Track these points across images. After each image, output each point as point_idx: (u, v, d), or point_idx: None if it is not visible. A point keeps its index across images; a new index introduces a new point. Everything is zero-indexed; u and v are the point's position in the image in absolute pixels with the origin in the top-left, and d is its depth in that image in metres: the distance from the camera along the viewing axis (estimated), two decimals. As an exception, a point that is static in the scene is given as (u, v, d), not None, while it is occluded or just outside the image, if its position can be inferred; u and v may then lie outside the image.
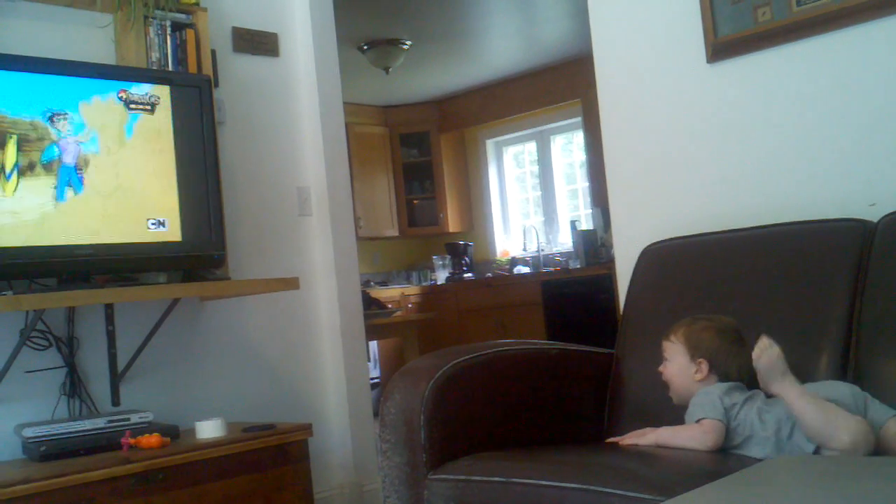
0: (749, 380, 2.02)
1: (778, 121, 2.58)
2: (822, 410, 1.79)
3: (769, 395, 1.93)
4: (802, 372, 2.04)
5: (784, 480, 1.38)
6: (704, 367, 2.04)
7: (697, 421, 1.95)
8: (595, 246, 7.16)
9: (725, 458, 1.88)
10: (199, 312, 3.28)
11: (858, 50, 2.43)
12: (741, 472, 1.42)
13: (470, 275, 8.19)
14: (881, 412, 1.84)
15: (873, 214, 2.22)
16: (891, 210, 2.18)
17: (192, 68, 3.12)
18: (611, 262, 2.76)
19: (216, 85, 3.28)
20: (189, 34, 3.14)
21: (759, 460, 1.78)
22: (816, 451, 1.80)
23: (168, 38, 3.09)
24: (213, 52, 3.30)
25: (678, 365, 2.09)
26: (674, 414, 2.08)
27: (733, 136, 2.67)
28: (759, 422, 1.89)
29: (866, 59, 2.42)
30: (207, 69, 3.17)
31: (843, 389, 1.89)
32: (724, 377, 2.03)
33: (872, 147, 2.40)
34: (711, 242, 2.47)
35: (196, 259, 2.96)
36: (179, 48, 3.13)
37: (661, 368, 2.14)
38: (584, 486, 1.72)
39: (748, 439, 1.90)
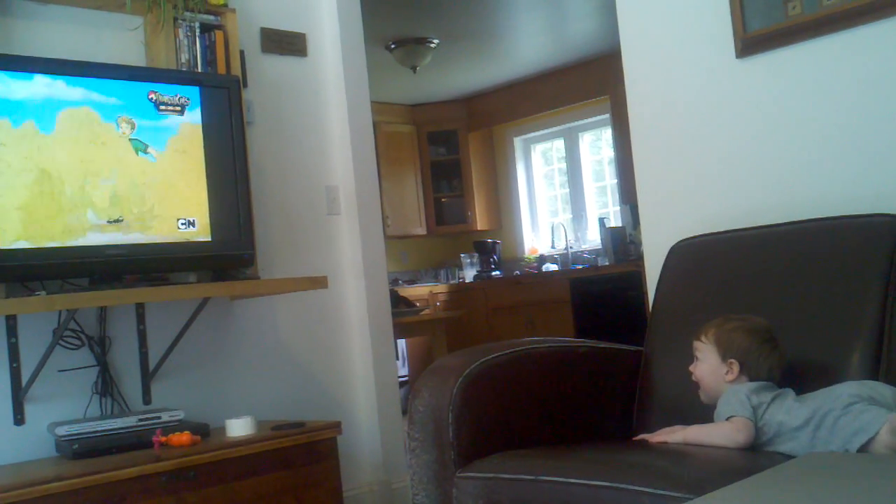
0: (779, 379, 2.00)
1: (808, 116, 2.56)
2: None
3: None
4: (834, 370, 2.03)
5: (814, 478, 1.37)
6: (735, 367, 2.03)
7: (728, 419, 1.93)
8: (624, 243, 7.13)
9: (756, 455, 1.87)
10: (229, 311, 3.30)
11: (890, 43, 2.40)
12: (771, 469, 1.40)
13: (498, 273, 8.18)
14: None
15: (906, 209, 2.20)
16: (923, 205, 2.15)
17: (221, 69, 3.14)
18: (640, 259, 2.75)
19: (245, 85, 3.30)
20: (218, 35, 3.16)
21: (790, 457, 1.77)
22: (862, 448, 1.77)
23: (197, 39, 3.11)
24: (242, 53, 3.32)
25: (709, 365, 2.08)
26: (703, 412, 2.07)
27: (763, 131, 2.65)
28: (789, 417, 1.88)
29: (898, 52, 2.39)
30: (236, 70, 3.19)
31: (884, 391, 1.86)
32: (754, 377, 2.01)
33: (904, 141, 2.38)
34: (741, 239, 2.45)
35: (225, 258, 2.98)
36: (208, 49, 3.14)
37: (691, 368, 2.13)
38: (614, 484, 1.71)
39: (777, 436, 1.89)
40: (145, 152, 2.82)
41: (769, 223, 2.43)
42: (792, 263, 2.29)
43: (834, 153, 2.51)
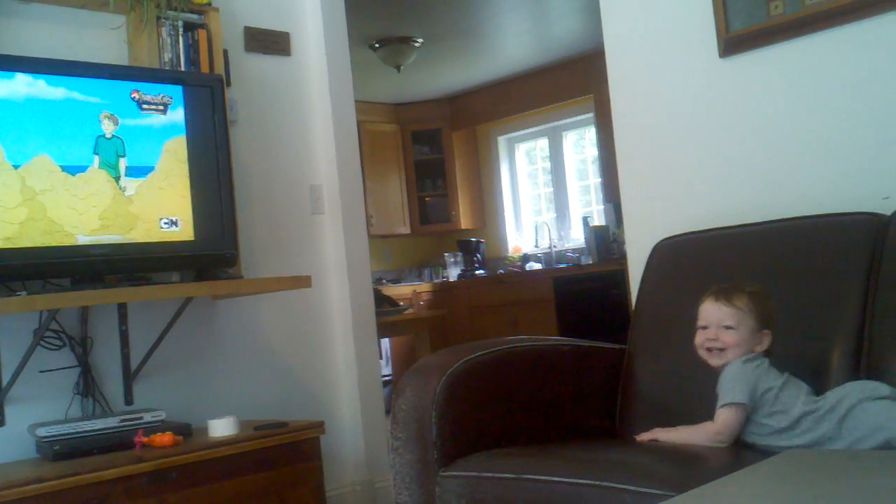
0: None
1: (790, 115, 2.57)
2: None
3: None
4: (816, 367, 2.04)
5: (793, 475, 1.37)
6: (769, 337, 1.98)
7: (722, 406, 1.92)
8: (607, 242, 7.15)
9: (740, 452, 1.88)
10: (212, 311, 3.29)
11: (872, 43, 2.41)
12: (751, 467, 1.41)
13: (482, 272, 8.19)
14: None
15: (887, 208, 2.21)
16: (905, 203, 2.17)
17: (205, 68, 3.13)
18: (623, 257, 2.76)
19: (228, 84, 3.29)
20: (201, 34, 3.15)
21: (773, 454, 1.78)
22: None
23: (180, 38, 3.10)
24: (226, 52, 3.31)
25: (746, 332, 1.97)
26: (686, 409, 2.08)
27: (746, 130, 2.66)
28: (797, 411, 1.87)
29: (880, 53, 2.40)
30: (219, 69, 3.18)
31: (884, 390, 1.87)
32: (768, 351, 1.99)
33: (886, 140, 2.39)
34: (724, 237, 2.46)
35: (208, 258, 2.97)
36: (192, 48, 3.13)
37: (711, 334, 2.00)
38: (597, 482, 1.72)
39: (800, 420, 1.87)
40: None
41: (752, 222, 2.44)
42: (774, 262, 2.30)
43: (815, 152, 2.52)
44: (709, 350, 2.02)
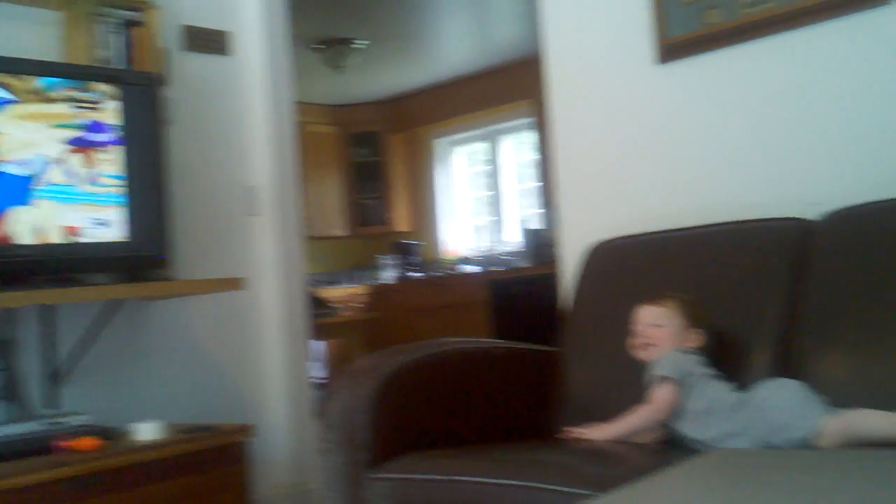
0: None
1: (724, 122, 2.62)
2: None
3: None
4: (743, 369, 2.09)
5: (717, 475, 1.41)
6: (701, 336, 2.10)
7: (657, 384, 2.01)
8: (544, 245, 7.20)
9: (665, 452, 1.91)
10: (143, 313, 3.24)
11: (802, 52, 2.47)
12: (676, 466, 1.44)
13: (418, 274, 8.19)
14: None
15: (816, 213, 2.26)
16: (833, 209, 2.22)
17: (143, 66, 3.08)
18: (559, 261, 2.79)
19: (166, 83, 3.24)
20: (139, 32, 3.10)
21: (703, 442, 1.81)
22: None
23: (118, 36, 3.05)
24: (164, 51, 3.27)
25: (674, 328, 2.10)
26: (618, 410, 2.10)
27: (681, 136, 2.70)
28: (717, 408, 1.94)
29: (811, 62, 2.46)
30: (158, 67, 3.13)
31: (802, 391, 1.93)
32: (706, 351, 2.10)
33: (816, 147, 2.45)
34: (656, 241, 2.50)
35: (140, 259, 2.91)
36: (129, 46, 3.09)
37: (642, 331, 2.13)
38: (524, 483, 1.73)
39: (709, 413, 1.94)
40: (55, 148, 2.75)
41: (684, 226, 2.49)
42: (703, 265, 2.34)
43: (747, 158, 2.57)
44: (640, 346, 2.14)
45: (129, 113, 2.88)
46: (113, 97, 2.85)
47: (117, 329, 3.10)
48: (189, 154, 3.40)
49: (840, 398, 1.84)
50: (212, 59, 3.53)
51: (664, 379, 2.01)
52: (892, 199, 2.13)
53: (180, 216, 3.27)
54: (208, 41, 3.51)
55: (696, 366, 2.04)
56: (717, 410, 1.95)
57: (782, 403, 1.87)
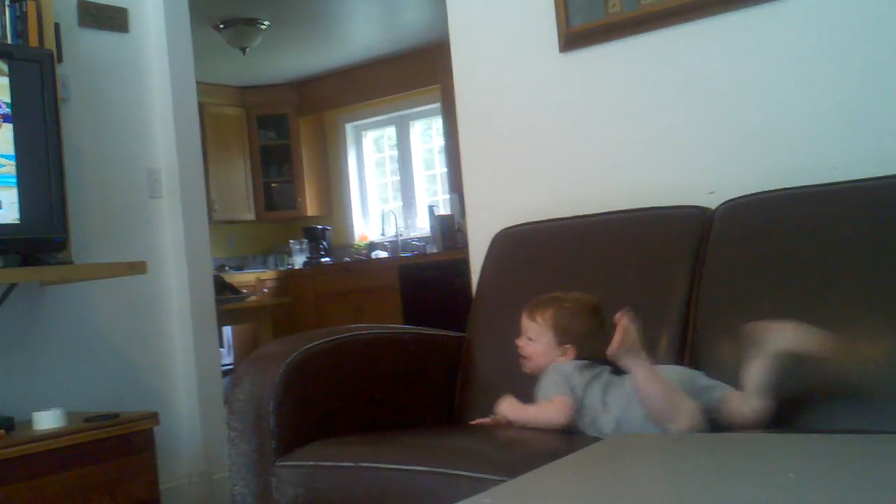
0: (604, 349, 2.05)
1: (625, 111, 2.66)
2: (666, 393, 1.82)
3: (618, 371, 1.96)
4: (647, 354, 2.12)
5: (622, 458, 1.43)
6: (571, 352, 2.05)
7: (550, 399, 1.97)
8: (452, 231, 7.23)
9: (571, 438, 1.93)
10: (40, 298, 3.13)
11: (700, 44, 2.52)
12: (581, 451, 1.45)
13: (328, 259, 8.13)
14: (721, 388, 1.91)
15: (713, 201, 2.32)
16: (728, 197, 2.28)
17: (34, 42, 2.97)
18: (467, 247, 2.80)
19: (60, 60, 3.13)
20: (30, 6, 2.98)
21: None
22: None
23: (7, 9, 2.93)
24: (57, 26, 3.15)
25: (543, 346, 2.07)
26: (522, 395, 2.12)
27: (583, 124, 2.74)
28: (602, 403, 1.94)
29: (707, 53, 2.51)
30: (50, 43, 3.02)
31: (680, 374, 1.95)
32: (584, 357, 2.04)
33: (712, 136, 2.51)
34: (561, 228, 2.53)
35: (35, 242, 2.82)
36: (19, 20, 2.97)
37: (520, 343, 2.12)
38: (432, 469, 1.73)
39: (594, 420, 1.94)
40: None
41: (588, 213, 2.52)
42: (607, 252, 2.38)
43: (648, 147, 2.62)
44: (520, 356, 2.13)
45: (20, 90, 2.78)
46: (1, 73, 2.74)
47: (12, 314, 3.00)
48: (86, 134, 3.30)
49: (734, 382, 1.88)
50: (109, 35, 3.43)
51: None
52: (781, 189, 2.20)
53: (78, 198, 3.18)
54: (105, 17, 3.40)
55: (575, 376, 2.00)
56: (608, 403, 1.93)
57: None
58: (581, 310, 2.08)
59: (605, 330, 2.02)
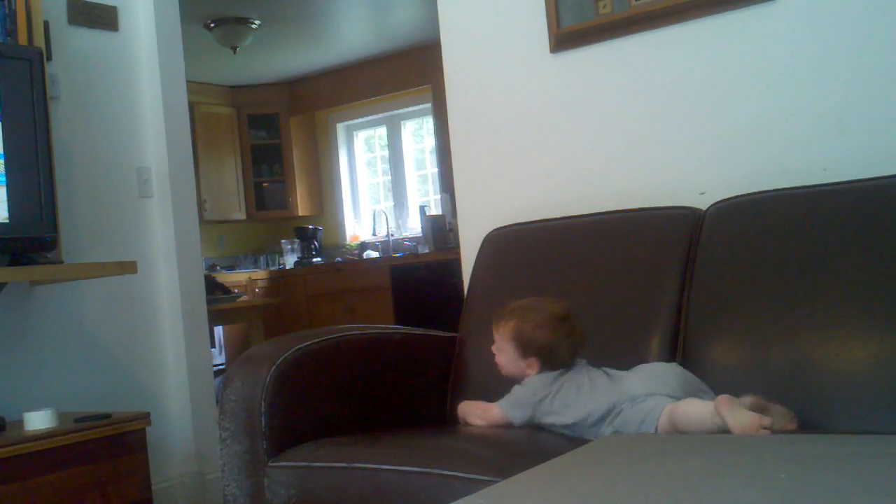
0: (578, 356, 2.05)
1: (616, 111, 2.67)
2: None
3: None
4: (636, 353, 2.12)
5: (615, 459, 1.43)
6: (535, 364, 2.04)
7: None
8: (444, 231, 7.23)
9: (565, 439, 1.93)
10: (30, 298, 3.12)
11: (690, 45, 2.53)
12: (574, 451, 1.46)
13: (319, 259, 8.12)
14: (709, 394, 1.91)
15: (703, 202, 2.32)
16: (719, 198, 2.28)
17: (23, 40, 2.96)
18: (458, 247, 2.80)
19: (49, 58, 3.12)
20: (19, 4, 2.97)
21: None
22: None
23: (-3, 7, 2.92)
24: (47, 24, 3.13)
25: (508, 357, 2.08)
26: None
27: (574, 125, 2.74)
28: (572, 412, 1.94)
29: (697, 54, 2.52)
30: (39, 41, 3.01)
31: (670, 377, 1.95)
32: (553, 367, 2.03)
33: (703, 137, 2.51)
34: (552, 228, 2.53)
35: (24, 241, 2.80)
36: (8, 18, 2.95)
37: (493, 349, 2.13)
38: (425, 469, 1.73)
39: (578, 423, 1.94)
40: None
41: (579, 213, 2.52)
42: (598, 252, 2.38)
43: (638, 148, 2.62)
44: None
45: (8, 88, 2.76)
46: (-10, 71, 2.73)
47: (2, 315, 3.00)
48: (76, 132, 3.29)
49: (726, 383, 1.89)
50: (98, 34, 3.42)
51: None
52: (771, 190, 2.20)
53: (67, 197, 3.17)
54: (94, 15, 3.39)
55: (544, 389, 2.00)
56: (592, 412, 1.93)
57: (634, 386, 1.90)
58: (546, 321, 2.03)
59: (574, 338, 2.03)
